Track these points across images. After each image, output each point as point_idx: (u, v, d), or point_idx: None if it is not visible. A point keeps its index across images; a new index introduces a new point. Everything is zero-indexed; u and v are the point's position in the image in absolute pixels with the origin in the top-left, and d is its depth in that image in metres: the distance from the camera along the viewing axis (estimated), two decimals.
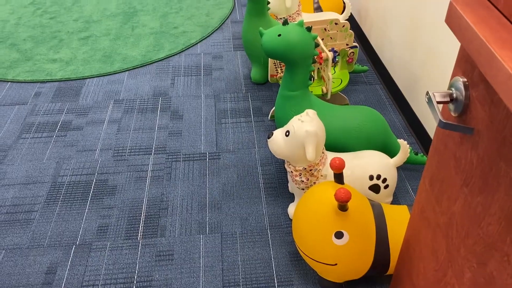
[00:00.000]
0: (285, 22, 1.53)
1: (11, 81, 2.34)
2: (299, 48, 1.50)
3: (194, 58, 2.53)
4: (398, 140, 1.47)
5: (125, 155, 1.88)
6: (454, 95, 0.77)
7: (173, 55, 2.56)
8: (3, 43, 2.66)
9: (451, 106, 0.78)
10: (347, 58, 1.95)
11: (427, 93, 0.78)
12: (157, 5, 3.06)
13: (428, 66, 1.77)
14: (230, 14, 2.99)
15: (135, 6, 3.06)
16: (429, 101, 0.78)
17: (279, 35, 1.51)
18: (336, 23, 1.90)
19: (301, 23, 1.52)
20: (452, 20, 0.70)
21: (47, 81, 2.34)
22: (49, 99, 2.21)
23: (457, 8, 0.68)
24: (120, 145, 1.93)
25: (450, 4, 0.71)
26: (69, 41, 2.67)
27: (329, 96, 1.83)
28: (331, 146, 1.59)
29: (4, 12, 3.01)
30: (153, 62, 2.49)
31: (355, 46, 1.95)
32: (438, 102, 0.76)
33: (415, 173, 1.77)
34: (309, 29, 1.52)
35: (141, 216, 1.62)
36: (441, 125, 0.72)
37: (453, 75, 0.80)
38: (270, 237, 1.54)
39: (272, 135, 1.42)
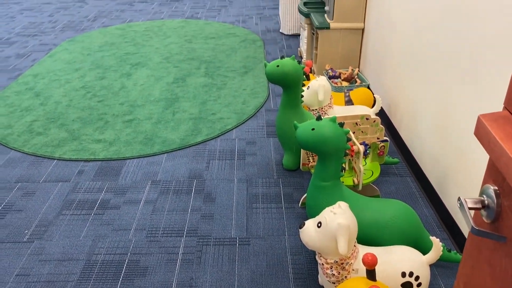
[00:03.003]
0: (319, 118, 1.62)
1: (57, 159, 2.50)
2: (331, 142, 1.57)
3: (229, 143, 2.65)
4: (431, 237, 1.47)
5: (158, 236, 1.92)
6: (486, 202, 0.79)
7: (210, 140, 2.69)
8: (54, 122, 2.88)
9: (483, 212, 0.81)
10: (378, 151, 2.01)
11: (459, 198, 0.81)
12: (197, 93, 3.28)
13: (459, 164, 1.80)
14: (264, 103, 3.15)
15: (177, 93, 3.28)
16: (461, 206, 0.81)
17: (313, 129, 1.60)
18: (367, 118, 1.99)
19: (334, 119, 1.61)
20: (481, 134, 0.75)
21: (90, 160, 2.48)
22: (90, 178, 2.33)
23: (485, 124, 0.73)
24: (154, 225, 1.98)
25: (478, 119, 0.76)
26: (114, 123, 2.86)
27: (360, 187, 1.86)
28: (362, 239, 1.59)
29: (58, 95, 3.28)
30: (191, 146, 2.62)
31: (386, 140, 2.02)
32: (470, 208, 0.79)
33: (448, 270, 1.72)
34: (341, 124, 1.61)
35: None
36: (474, 232, 0.74)
37: (484, 182, 0.84)
38: None
39: (303, 225, 1.44)
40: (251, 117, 2.96)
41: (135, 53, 4.12)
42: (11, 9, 5.90)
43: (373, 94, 2.79)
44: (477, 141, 1.64)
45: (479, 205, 0.79)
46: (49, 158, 2.51)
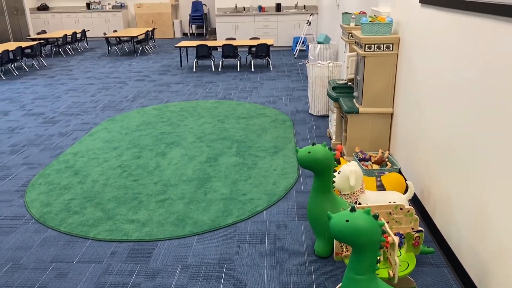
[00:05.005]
0: (353, 209, 1.63)
1: (92, 239, 2.55)
2: (366, 235, 1.56)
3: (260, 226, 2.65)
4: None
5: None
6: None
7: (240, 222, 2.70)
8: (90, 201, 2.97)
9: None
10: (413, 242, 1.97)
11: None
12: (228, 173, 3.35)
13: (501, 259, 1.73)
14: (294, 184, 3.18)
15: (209, 172, 3.37)
16: None
17: (347, 220, 1.59)
18: (401, 208, 1.98)
19: (368, 211, 1.61)
20: None
21: (123, 241, 2.52)
22: (122, 259, 2.35)
23: None
24: None
25: None
26: (148, 203, 2.93)
27: (396, 280, 1.81)
28: None
29: (96, 173, 3.42)
30: (221, 228, 2.63)
31: (421, 230, 1.98)
32: None
33: None
34: (376, 216, 1.60)
35: None
36: None
37: None
38: None
39: None
40: (282, 198, 2.98)
41: (171, 133, 4.30)
42: (57, 90, 6.35)
43: (405, 179, 2.78)
44: None
45: None
46: (84, 237, 2.57)
